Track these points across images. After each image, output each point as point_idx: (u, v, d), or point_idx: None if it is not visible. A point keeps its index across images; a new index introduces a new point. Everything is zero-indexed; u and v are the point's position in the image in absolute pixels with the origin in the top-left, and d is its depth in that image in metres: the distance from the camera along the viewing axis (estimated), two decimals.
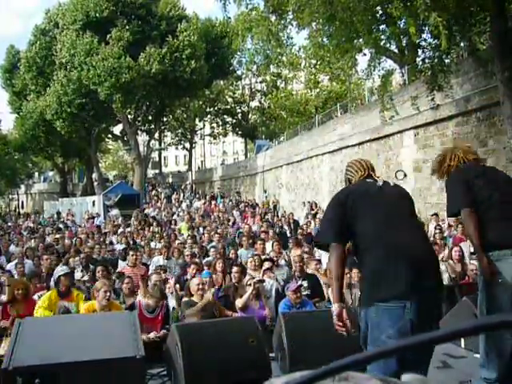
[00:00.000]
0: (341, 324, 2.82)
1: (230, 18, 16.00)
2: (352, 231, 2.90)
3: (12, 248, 13.26)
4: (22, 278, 7.03)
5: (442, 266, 6.90)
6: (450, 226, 10.58)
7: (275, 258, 7.94)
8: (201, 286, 5.73)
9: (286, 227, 14.85)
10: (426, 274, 2.69)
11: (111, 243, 12.06)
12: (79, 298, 5.90)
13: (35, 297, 6.44)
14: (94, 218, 19.45)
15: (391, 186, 3.11)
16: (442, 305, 3.02)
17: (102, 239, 12.90)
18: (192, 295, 5.74)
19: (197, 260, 8.13)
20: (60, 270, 7.01)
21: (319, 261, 7.76)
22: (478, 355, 4.06)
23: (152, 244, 11.48)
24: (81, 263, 8.92)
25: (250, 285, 5.92)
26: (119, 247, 11.21)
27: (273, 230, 11.89)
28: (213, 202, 24.86)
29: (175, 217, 19.03)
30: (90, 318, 4.73)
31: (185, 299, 5.88)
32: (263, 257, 7.85)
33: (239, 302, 5.84)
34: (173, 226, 15.56)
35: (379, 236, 2.81)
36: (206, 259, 8.62)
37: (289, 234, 13.55)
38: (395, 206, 3.00)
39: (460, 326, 0.63)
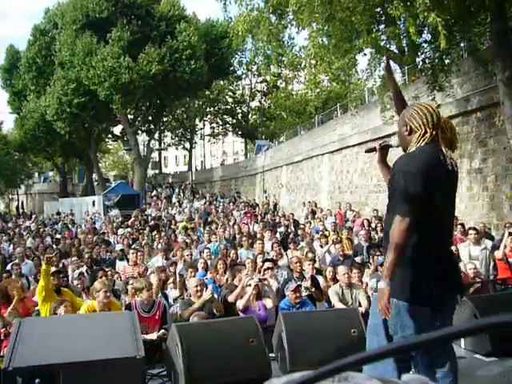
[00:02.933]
0: (387, 305, 2.57)
1: (230, 18, 16.00)
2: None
3: (5, 246, 13.28)
4: (16, 278, 7.01)
5: None
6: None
7: (275, 258, 7.95)
8: (199, 288, 5.80)
9: (285, 227, 14.84)
10: None
11: (108, 243, 12.05)
12: (70, 296, 5.89)
13: (35, 298, 6.45)
14: (94, 222, 19.41)
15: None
16: None
17: (100, 239, 12.90)
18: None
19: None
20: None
21: (314, 261, 7.75)
22: (478, 355, 4.06)
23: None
24: (86, 264, 8.96)
25: (249, 285, 5.92)
26: (118, 247, 11.22)
27: (272, 231, 11.88)
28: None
29: (177, 216, 19.04)
30: (90, 317, 4.73)
31: (182, 299, 5.92)
32: (259, 258, 7.84)
33: (240, 303, 5.84)
34: (173, 227, 15.56)
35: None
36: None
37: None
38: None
39: (460, 326, 0.63)
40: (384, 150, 3.11)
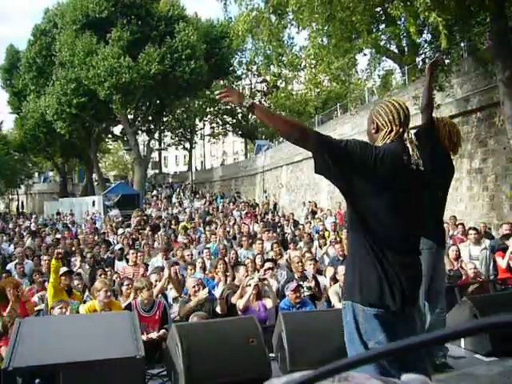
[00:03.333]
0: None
1: (230, 18, 16.02)
2: None
3: (5, 246, 13.28)
4: (12, 278, 6.99)
5: None
6: (455, 226, 10.56)
7: (275, 258, 7.95)
8: (197, 288, 5.84)
9: (286, 227, 14.84)
10: None
11: (107, 243, 12.05)
12: (79, 299, 5.92)
13: (35, 298, 6.44)
14: (95, 222, 19.42)
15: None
16: None
17: (100, 239, 12.91)
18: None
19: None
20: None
21: (316, 261, 7.77)
22: (478, 355, 4.06)
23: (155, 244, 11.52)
24: (88, 264, 8.96)
25: (249, 285, 5.92)
26: (117, 247, 11.22)
27: (270, 231, 11.86)
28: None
29: (180, 216, 19.05)
30: (90, 317, 4.73)
31: (181, 299, 5.95)
32: (258, 259, 7.84)
33: (240, 303, 5.84)
34: (173, 227, 15.56)
35: None
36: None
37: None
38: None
39: (460, 325, 0.63)
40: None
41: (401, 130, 2.54)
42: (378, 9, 10.99)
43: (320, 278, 6.98)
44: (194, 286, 5.92)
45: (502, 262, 7.16)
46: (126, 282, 6.33)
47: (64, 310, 5.11)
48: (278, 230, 14.20)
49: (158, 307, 5.47)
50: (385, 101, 2.73)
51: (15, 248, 11.70)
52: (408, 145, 2.53)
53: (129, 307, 5.41)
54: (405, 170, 2.49)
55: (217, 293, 6.38)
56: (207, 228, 13.41)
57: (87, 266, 8.87)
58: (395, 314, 2.47)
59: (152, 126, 36.58)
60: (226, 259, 8.05)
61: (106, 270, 7.96)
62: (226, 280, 6.98)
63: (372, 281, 2.45)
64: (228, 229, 13.47)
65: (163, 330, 5.20)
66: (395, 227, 2.51)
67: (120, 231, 14.75)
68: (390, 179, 2.45)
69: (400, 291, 2.46)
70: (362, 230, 2.51)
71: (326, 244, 9.88)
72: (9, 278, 6.98)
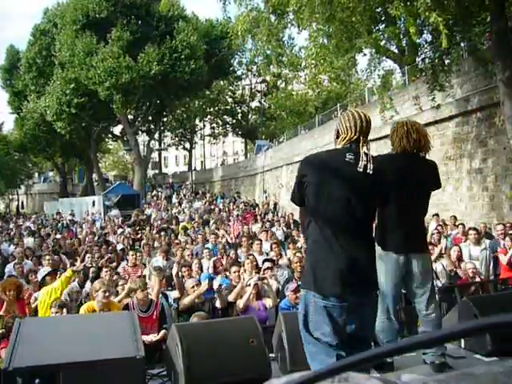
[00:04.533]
0: None
1: (230, 18, 16.00)
2: None
3: (4, 246, 13.27)
4: (12, 278, 6.98)
5: (438, 266, 6.90)
6: (456, 225, 10.57)
7: (275, 258, 7.95)
8: (195, 288, 5.89)
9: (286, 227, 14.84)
10: None
11: (108, 243, 12.05)
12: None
13: (33, 297, 6.44)
14: (94, 221, 19.42)
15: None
16: None
17: (102, 239, 12.90)
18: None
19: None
20: (44, 270, 7.06)
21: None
22: (478, 355, 4.06)
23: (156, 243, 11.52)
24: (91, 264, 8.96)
25: (249, 285, 5.93)
26: (119, 247, 11.23)
27: (268, 231, 11.84)
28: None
29: (180, 216, 19.05)
30: (90, 317, 4.73)
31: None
32: (260, 257, 7.85)
33: (240, 303, 5.85)
34: (172, 227, 15.56)
35: None
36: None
37: (281, 235, 13.49)
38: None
39: (460, 325, 0.63)
40: None
41: (355, 136, 2.82)
42: (378, 9, 10.98)
43: None
44: (192, 287, 5.95)
45: (503, 259, 7.18)
46: (120, 282, 6.36)
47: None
48: (280, 228, 14.20)
49: (155, 307, 5.47)
50: (348, 110, 3.01)
51: (15, 248, 11.70)
52: (361, 150, 2.80)
53: (126, 308, 5.42)
54: (345, 168, 2.78)
55: (215, 285, 6.37)
56: (206, 229, 13.41)
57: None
58: (344, 304, 2.67)
59: (152, 126, 36.59)
60: (226, 259, 8.07)
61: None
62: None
63: (323, 271, 2.69)
64: (228, 229, 13.47)
65: (164, 331, 5.20)
66: (345, 222, 2.76)
67: (119, 231, 14.74)
68: (341, 173, 2.77)
69: (349, 281, 2.67)
70: (316, 223, 2.80)
71: None
72: (11, 278, 6.96)
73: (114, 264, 9.01)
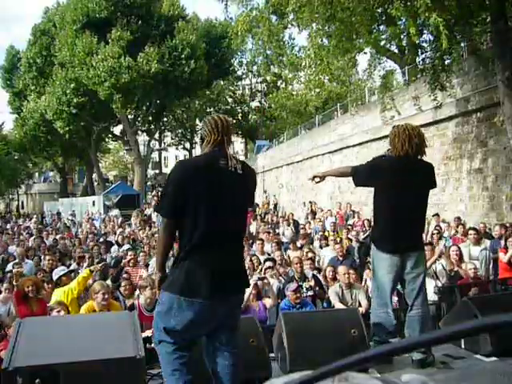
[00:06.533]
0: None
1: (231, 18, 16.01)
2: None
3: (11, 248, 13.24)
4: (30, 276, 6.99)
5: (438, 266, 6.90)
6: (457, 226, 10.56)
7: (276, 258, 7.95)
8: None
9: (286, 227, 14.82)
10: None
11: (107, 242, 12.04)
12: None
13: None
14: (93, 220, 19.43)
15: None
16: None
17: (103, 240, 12.89)
18: None
19: None
20: (60, 270, 7.03)
21: (313, 260, 7.79)
22: (478, 355, 4.06)
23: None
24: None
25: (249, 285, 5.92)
26: (124, 247, 11.20)
27: (269, 232, 11.84)
28: None
29: None
30: (89, 318, 4.72)
31: None
32: (262, 257, 7.86)
33: None
34: None
35: None
36: None
37: (290, 235, 13.51)
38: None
39: (460, 325, 0.63)
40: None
41: (219, 138, 2.90)
42: (379, 9, 10.97)
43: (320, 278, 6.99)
44: None
45: (503, 257, 7.18)
46: (123, 283, 6.35)
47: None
48: (281, 229, 14.19)
49: None
50: (209, 116, 3.12)
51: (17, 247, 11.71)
52: (227, 150, 2.91)
53: (132, 308, 5.42)
54: (222, 172, 2.84)
55: None
56: None
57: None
58: (210, 302, 2.77)
59: (152, 126, 36.58)
60: None
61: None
62: None
63: (188, 273, 2.78)
64: None
65: None
66: (211, 224, 2.81)
67: (119, 231, 14.73)
68: (210, 182, 2.81)
69: (208, 281, 2.75)
70: (183, 226, 2.85)
71: (327, 244, 9.90)
72: (28, 276, 6.99)
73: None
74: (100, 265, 6.89)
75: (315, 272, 7.18)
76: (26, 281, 5.94)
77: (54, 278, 6.72)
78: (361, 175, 4.11)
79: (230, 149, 2.95)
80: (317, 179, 4.48)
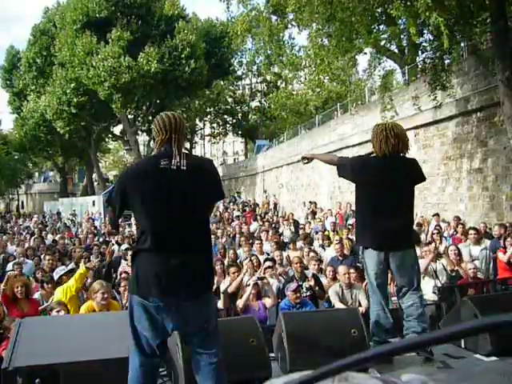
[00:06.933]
0: None
1: (233, 18, 16.01)
2: None
3: (11, 248, 13.24)
4: (21, 276, 6.95)
5: (438, 265, 6.89)
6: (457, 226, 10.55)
7: (276, 258, 7.95)
8: None
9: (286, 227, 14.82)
10: None
11: (106, 242, 12.03)
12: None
13: (36, 295, 6.42)
14: (94, 219, 19.43)
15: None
16: None
17: (103, 239, 12.89)
18: None
19: None
20: (60, 269, 7.02)
21: (320, 261, 7.80)
22: (478, 355, 4.06)
23: None
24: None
25: (249, 285, 5.93)
26: (123, 247, 11.20)
27: (269, 232, 11.84)
28: None
29: None
30: (89, 317, 4.72)
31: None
32: (262, 257, 7.87)
33: (239, 303, 5.85)
34: None
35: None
36: None
37: (290, 235, 13.51)
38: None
39: (460, 325, 0.63)
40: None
41: (167, 136, 2.88)
42: (379, 9, 10.97)
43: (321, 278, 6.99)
44: None
45: (503, 257, 7.17)
46: (122, 283, 6.35)
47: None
48: (282, 229, 14.19)
49: None
50: (160, 114, 3.07)
51: (17, 247, 11.71)
52: (174, 148, 2.87)
53: None
54: (163, 173, 2.82)
55: (222, 287, 6.38)
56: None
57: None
58: (163, 304, 2.76)
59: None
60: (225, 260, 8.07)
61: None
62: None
63: (142, 274, 2.80)
64: (228, 229, 13.46)
65: None
66: (157, 226, 2.81)
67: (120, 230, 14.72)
68: (152, 185, 2.80)
69: (164, 282, 2.74)
70: (141, 228, 2.88)
71: (329, 244, 9.91)
72: (17, 276, 6.93)
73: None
74: (96, 260, 6.87)
75: (317, 272, 7.18)
76: (15, 282, 5.90)
77: (55, 277, 6.71)
78: (346, 168, 4.18)
79: (176, 146, 2.91)
80: (305, 160, 4.69)
